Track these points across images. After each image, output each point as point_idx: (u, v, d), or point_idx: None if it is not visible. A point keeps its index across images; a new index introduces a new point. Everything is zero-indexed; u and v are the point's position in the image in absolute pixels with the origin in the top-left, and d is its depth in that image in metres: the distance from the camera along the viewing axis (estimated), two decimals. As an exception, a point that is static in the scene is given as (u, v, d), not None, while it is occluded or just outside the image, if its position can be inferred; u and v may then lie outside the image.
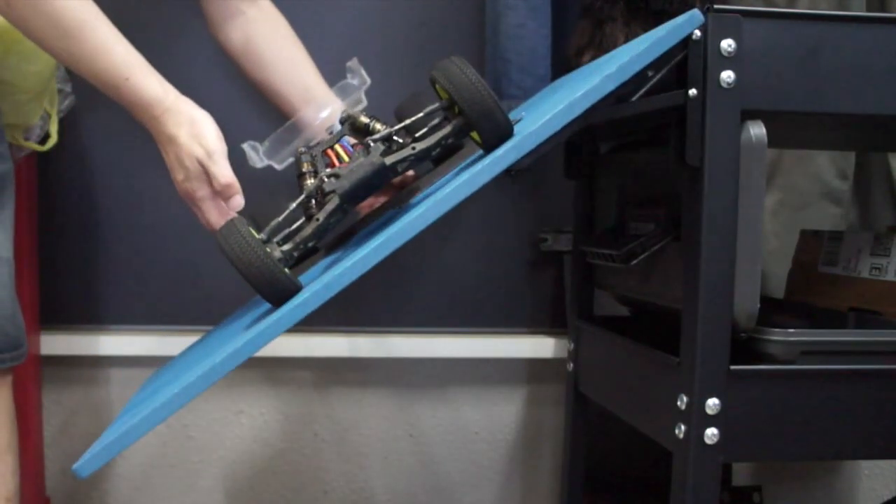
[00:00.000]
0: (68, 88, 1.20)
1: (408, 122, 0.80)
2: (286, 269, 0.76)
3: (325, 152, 0.86)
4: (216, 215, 0.93)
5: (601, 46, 1.08)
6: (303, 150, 0.87)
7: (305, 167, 0.86)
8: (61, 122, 1.18)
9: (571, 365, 1.23)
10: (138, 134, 1.27)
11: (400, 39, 1.33)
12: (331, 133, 0.89)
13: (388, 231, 0.73)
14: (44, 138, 1.15)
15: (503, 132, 0.76)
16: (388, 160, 0.78)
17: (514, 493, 1.45)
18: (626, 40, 1.03)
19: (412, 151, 0.78)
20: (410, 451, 1.42)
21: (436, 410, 1.42)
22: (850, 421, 0.84)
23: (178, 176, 0.92)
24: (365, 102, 1.09)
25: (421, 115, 0.79)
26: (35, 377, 1.28)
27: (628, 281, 1.08)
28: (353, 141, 0.88)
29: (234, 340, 0.74)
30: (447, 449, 1.43)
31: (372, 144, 0.79)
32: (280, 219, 0.78)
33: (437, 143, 0.78)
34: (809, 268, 1.16)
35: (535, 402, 1.43)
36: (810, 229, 1.22)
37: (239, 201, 0.90)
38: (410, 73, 1.33)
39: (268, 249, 0.75)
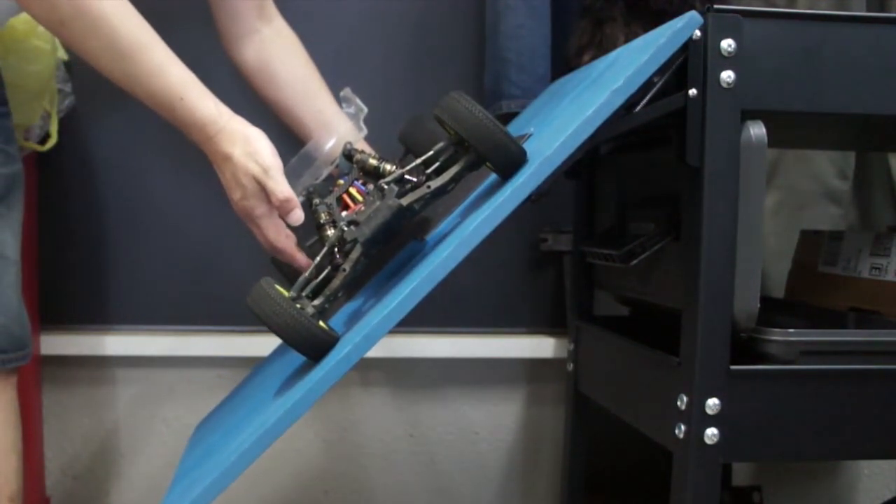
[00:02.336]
0: (68, 88, 1.20)
1: (419, 161, 0.80)
2: (321, 323, 0.77)
3: (339, 198, 0.87)
4: (274, 232, 0.93)
5: (601, 46, 1.08)
6: (317, 200, 0.87)
7: (324, 217, 0.86)
8: (61, 122, 1.18)
9: (571, 365, 1.23)
10: (138, 134, 1.28)
11: (399, 39, 1.33)
12: (337, 166, 0.90)
13: (419, 273, 0.73)
14: (44, 138, 1.15)
15: (517, 161, 0.76)
16: (405, 201, 0.78)
17: (514, 493, 1.44)
18: (627, 40, 1.03)
19: (428, 190, 0.79)
20: (410, 451, 1.42)
21: (436, 410, 1.42)
22: (850, 421, 0.84)
23: (235, 195, 0.92)
24: (365, 130, 1.09)
25: (431, 153, 0.80)
26: (35, 377, 1.28)
27: (628, 281, 1.08)
28: (358, 156, 0.89)
29: (283, 399, 0.75)
30: (447, 449, 1.43)
31: (386, 187, 0.79)
32: (307, 273, 0.79)
33: (452, 179, 0.79)
34: (809, 268, 1.16)
35: (535, 402, 1.43)
36: (810, 229, 1.22)
37: (298, 215, 0.90)
38: (410, 74, 1.33)
39: (299, 306, 0.75)
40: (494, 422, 1.43)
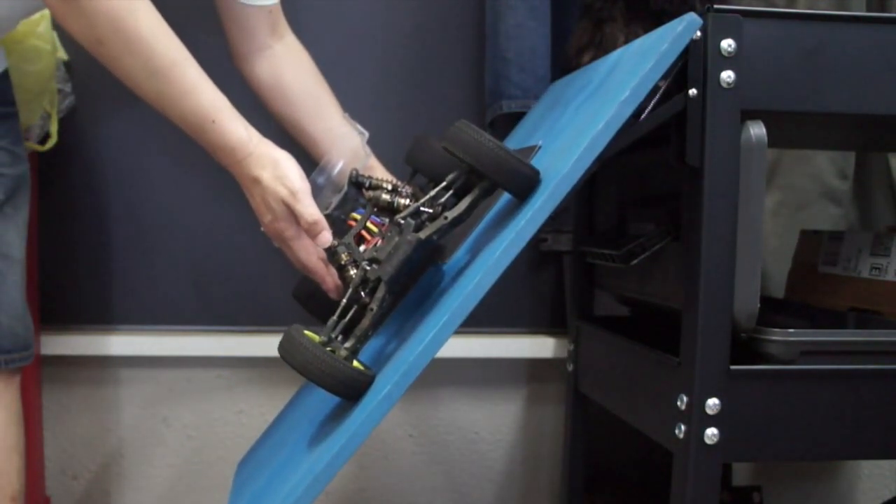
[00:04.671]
0: (68, 88, 1.20)
1: (432, 193, 0.81)
2: (355, 362, 0.77)
3: (356, 234, 0.88)
4: (305, 253, 0.94)
5: (601, 46, 1.08)
6: (335, 242, 0.88)
7: (344, 258, 0.87)
8: (61, 122, 1.18)
9: (571, 365, 1.23)
10: (138, 134, 1.28)
11: (399, 40, 1.33)
12: (345, 194, 0.92)
13: (449, 304, 0.74)
14: (44, 138, 1.15)
15: (532, 183, 0.77)
16: (423, 234, 0.79)
17: (514, 493, 1.45)
18: (627, 40, 1.03)
19: (445, 221, 0.79)
20: (410, 451, 1.42)
21: (436, 410, 1.42)
22: (850, 421, 0.84)
23: (265, 218, 0.93)
24: (370, 153, 1.09)
25: (444, 183, 0.81)
26: (35, 377, 1.28)
27: (628, 281, 1.08)
28: (370, 194, 0.90)
29: (328, 443, 0.75)
30: (447, 449, 1.43)
31: (402, 222, 0.79)
32: (335, 317, 0.80)
33: (469, 208, 0.79)
34: (809, 268, 1.16)
35: (535, 402, 1.43)
36: (810, 229, 1.22)
37: (327, 237, 0.90)
38: (410, 75, 1.33)
39: (331, 349, 0.76)
40: (494, 422, 1.43)
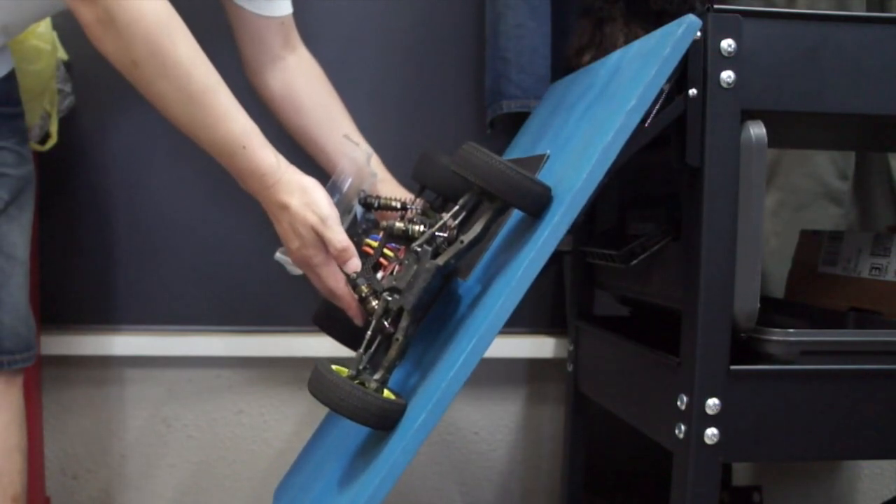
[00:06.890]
0: (68, 88, 1.20)
1: (446, 217, 0.81)
2: (385, 391, 0.78)
3: (375, 263, 0.88)
4: (333, 280, 0.93)
5: (601, 46, 1.08)
6: (353, 275, 0.89)
7: (365, 290, 0.87)
8: (61, 122, 1.18)
9: (571, 365, 1.23)
10: (139, 134, 1.28)
11: (399, 39, 1.33)
12: (355, 214, 0.93)
13: (476, 328, 0.74)
14: (44, 138, 1.15)
15: (545, 200, 0.77)
16: (441, 260, 0.79)
17: (514, 493, 1.45)
18: (627, 40, 1.03)
19: (462, 245, 0.79)
20: (410, 451, 1.42)
21: (436, 410, 1.42)
22: (850, 421, 0.84)
23: (293, 244, 0.92)
24: (376, 173, 1.10)
25: (457, 207, 0.81)
26: (35, 377, 1.28)
27: (628, 281, 1.08)
28: (384, 223, 0.90)
29: (367, 476, 0.76)
30: (447, 449, 1.43)
31: (419, 250, 0.80)
32: (361, 349, 0.80)
33: (484, 229, 0.79)
34: (809, 268, 1.16)
35: (535, 402, 1.43)
36: (810, 229, 1.22)
37: (356, 263, 0.90)
38: (410, 75, 1.33)
39: (359, 381, 0.76)
40: (494, 422, 1.43)
